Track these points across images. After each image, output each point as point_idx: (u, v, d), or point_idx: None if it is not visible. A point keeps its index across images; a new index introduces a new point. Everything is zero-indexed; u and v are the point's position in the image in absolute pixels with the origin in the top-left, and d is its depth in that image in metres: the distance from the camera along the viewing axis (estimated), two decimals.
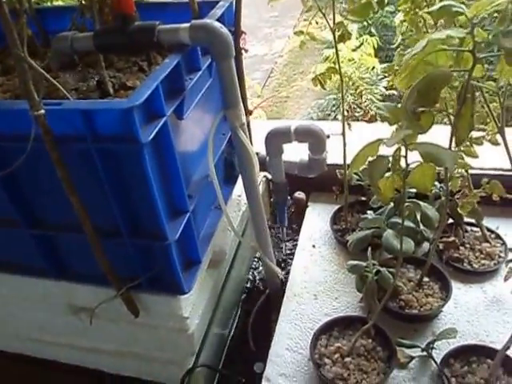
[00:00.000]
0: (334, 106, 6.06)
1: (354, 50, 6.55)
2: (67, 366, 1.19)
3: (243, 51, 1.11)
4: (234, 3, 1.09)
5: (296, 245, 1.31)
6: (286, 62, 7.09)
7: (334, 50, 1.21)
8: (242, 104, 0.94)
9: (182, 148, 0.95)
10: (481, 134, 1.07)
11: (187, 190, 0.97)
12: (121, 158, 0.79)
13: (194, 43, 0.87)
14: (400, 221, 1.11)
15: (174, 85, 0.86)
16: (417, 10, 1.14)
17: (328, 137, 1.23)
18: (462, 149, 1.04)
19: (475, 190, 0.96)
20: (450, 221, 1.22)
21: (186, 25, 0.86)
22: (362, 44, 6.60)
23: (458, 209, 0.96)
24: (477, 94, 0.89)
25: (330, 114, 6.12)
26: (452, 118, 0.87)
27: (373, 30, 5.56)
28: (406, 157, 0.84)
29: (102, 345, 1.13)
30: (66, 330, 1.12)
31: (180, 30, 0.86)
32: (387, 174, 0.87)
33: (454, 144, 0.89)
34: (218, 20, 1.03)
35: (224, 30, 0.85)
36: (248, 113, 1.21)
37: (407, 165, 0.85)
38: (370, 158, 0.87)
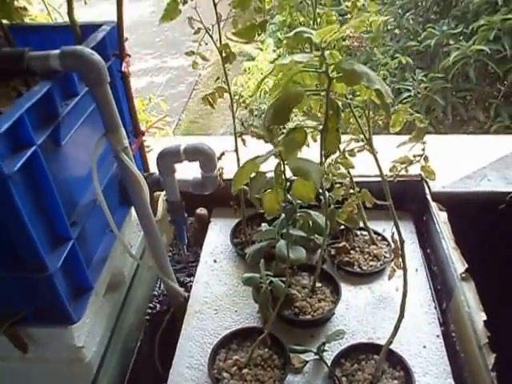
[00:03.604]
0: (256, 115, 6.24)
1: (271, 62, 6.77)
2: None
3: (128, 74, 1.12)
4: (117, 27, 1.09)
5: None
6: (209, 74, 7.19)
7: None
8: (122, 128, 0.95)
9: (63, 173, 0.94)
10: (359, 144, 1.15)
11: (72, 216, 0.95)
12: None
13: (66, 70, 0.87)
14: (292, 231, 1.16)
15: (45, 112, 0.85)
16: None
17: (223, 154, 1.26)
18: (338, 160, 1.12)
19: (349, 200, 1.03)
20: (342, 227, 1.30)
21: (56, 51, 0.85)
22: (279, 56, 6.83)
23: (336, 218, 1.03)
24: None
25: (252, 124, 6.32)
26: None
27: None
28: (284, 171, 0.89)
29: None
30: None
31: (50, 56, 0.85)
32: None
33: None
34: (99, 44, 1.04)
35: (95, 56, 0.85)
36: (140, 133, 1.22)
37: (286, 179, 0.90)
38: (252, 175, 0.92)
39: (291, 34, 0.81)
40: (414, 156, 1.17)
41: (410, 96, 3.42)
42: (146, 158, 1.26)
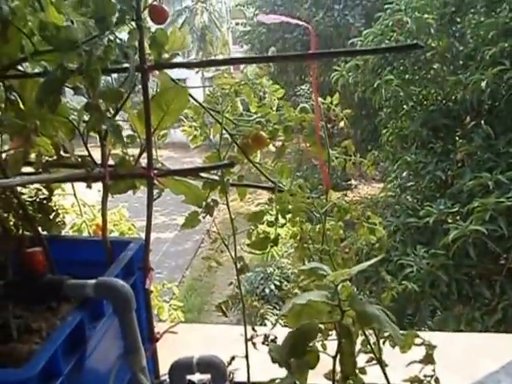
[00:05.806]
0: (261, 278, 6.31)
1: (281, 227, 7.07)
2: None
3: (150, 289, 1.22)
4: (144, 245, 1.23)
5: None
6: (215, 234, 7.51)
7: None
8: (142, 349, 1.01)
9: None
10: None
11: None
12: None
13: (98, 297, 0.97)
14: None
15: (75, 339, 0.92)
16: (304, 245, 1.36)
17: (233, 359, 1.30)
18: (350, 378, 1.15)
19: None
20: None
21: (92, 282, 0.96)
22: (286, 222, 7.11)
23: None
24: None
25: (258, 287, 6.34)
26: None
27: None
28: None
29: None
30: None
31: (86, 286, 0.96)
32: None
33: None
34: (128, 261, 1.16)
35: (126, 288, 0.96)
36: (154, 340, 1.28)
37: None
38: None
39: (307, 266, 0.92)
40: (425, 376, 1.20)
41: (412, 272, 3.51)
42: (157, 362, 1.30)
